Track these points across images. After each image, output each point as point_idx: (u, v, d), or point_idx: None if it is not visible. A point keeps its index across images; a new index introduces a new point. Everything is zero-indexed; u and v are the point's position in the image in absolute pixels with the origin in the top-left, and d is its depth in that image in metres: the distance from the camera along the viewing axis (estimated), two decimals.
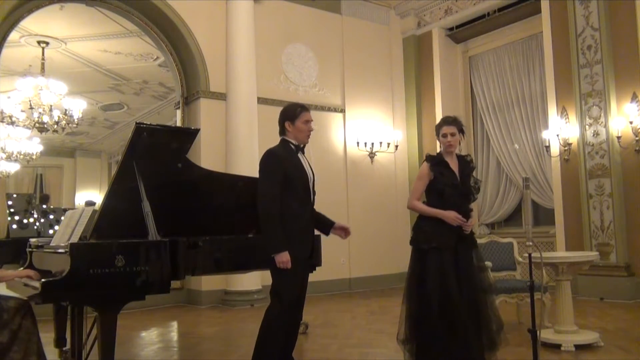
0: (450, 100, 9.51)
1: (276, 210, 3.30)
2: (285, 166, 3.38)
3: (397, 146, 9.64)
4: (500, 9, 8.73)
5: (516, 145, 8.75)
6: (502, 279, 5.43)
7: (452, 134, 3.72)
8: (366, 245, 8.89)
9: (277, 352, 3.37)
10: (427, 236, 3.63)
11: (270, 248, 3.29)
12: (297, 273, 3.35)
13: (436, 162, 3.72)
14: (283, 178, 3.35)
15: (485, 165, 9.32)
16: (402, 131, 9.78)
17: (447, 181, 3.66)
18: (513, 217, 8.96)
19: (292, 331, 3.59)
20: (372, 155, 9.37)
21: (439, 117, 9.30)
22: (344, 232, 3.71)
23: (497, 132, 9.06)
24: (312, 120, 3.54)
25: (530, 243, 3.33)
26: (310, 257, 3.53)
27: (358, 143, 9.27)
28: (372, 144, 9.36)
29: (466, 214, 3.66)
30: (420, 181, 3.74)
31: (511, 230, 8.56)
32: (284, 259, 3.24)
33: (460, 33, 9.50)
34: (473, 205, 3.86)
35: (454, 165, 3.74)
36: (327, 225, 3.71)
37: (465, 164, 3.79)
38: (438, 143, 3.96)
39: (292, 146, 3.50)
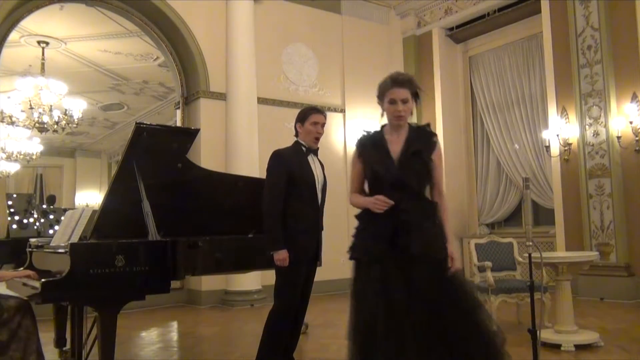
0: (450, 100, 9.51)
1: (276, 209, 3.35)
2: (289, 167, 3.42)
3: None
4: (500, 9, 8.72)
5: (516, 145, 8.75)
6: (502, 279, 5.43)
7: (404, 101, 2.64)
8: None
9: (279, 352, 3.37)
10: (352, 243, 2.69)
11: (269, 246, 3.37)
12: (299, 274, 3.35)
13: (364, 141, 2.74)
14: (287, 178, 3.39)
15: (485, 165, 9.32)
16: None
17: (376, 163, 2.63)
18: (513, 217, 8.96)
19: (294, 332, 3.59)
20: None
21: (439, 117, 9.33)
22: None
23: (497, 132, 9.06)
24: (322, 123, 3.54)
25: (530, 243, 3.32)
26: (316, 259, 3.52)
27: None
28: None
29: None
30: (353, 168, 2.78)
31: (511, 230, 8.57)
32: (281, 256, 3.30)
33: (460, 33, 9.50)
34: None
35: (398, 141, 2.65)
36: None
37: (418, 137, 2.67)
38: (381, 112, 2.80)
39: (303, 148, 3.53)
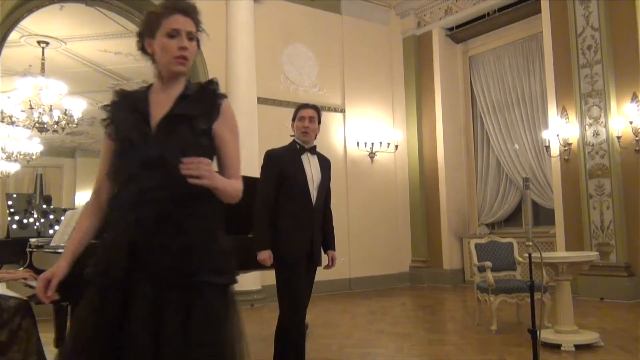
0: (450, 100, 9.51)
1: (264, 209, 3.35)
2: (280, 165, 3.39)
3: (397, 146, 9.64)
4: (500, 9, 8.72)
5: (516, 145, 8.75)
6: (502, 279, 5.43)
7: (190, 36, 1.80)
8: (366, 245, 8.89)
9: (289, 351, 3.31)
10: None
11: (254, 245, 3.37)
12: (295, 273, 3.31)
13: (117, 103, 1.88)
14: (278, 178, 3.37)
15: (485, 165, 9.32)
16: (402, 131, 9.77)
17: (127, 131, 1.79)
18: (513, 217, 8.96)
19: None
20: (372, 155, 9.36)
21: (439, 117, 9.35)
22: (331, 263, 3.62)
23: (497, 132, 9.05)
24: (308, 117, 3.44)
25: (531, 243, 3.32)
26: (312, 260, 3.41)
27: (358, 143, 9.27)
28: (372, 144, 9.36)
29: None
30: (102, 146, 1.92)
31: (511, 230, 8.56)
32: (262, 257, 3.30)
33: (460, 33, 9.49)
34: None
35: (166, 101, 1.81)
36: (323, 245, 3.63)
37: (196, 97, 1.84)
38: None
39: (297, 146, 3.48)
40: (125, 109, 1.81)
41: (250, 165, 7.29)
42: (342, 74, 9.32)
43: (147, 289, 1.64)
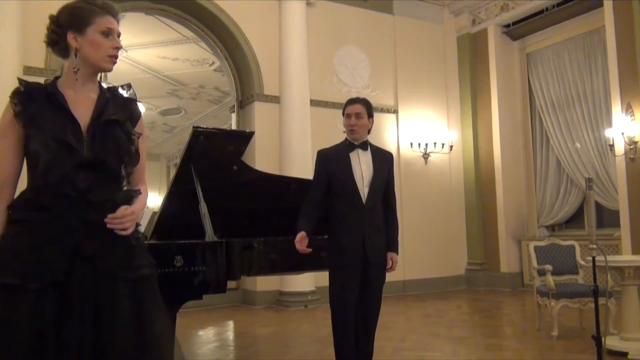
0: (507, 98, 9.28)
1: (307, 207, 3.35)
2: (328, 165, 3.38)
3: (451, 146, 9.48)
4: (559, 4, 8.43)
5: (577, 144, 8.43)
6: (563, 283, 5.25)
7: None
8: (420, 247, 8.79)
9: (344, 352, 3.31)
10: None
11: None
12: (344, 277, 3.28)
13: (29, 95, 1.76)
14: (327, 177, 3.36)
15: (545, 165, 9.03)
16: (457, 131, 9.61)
17: (47, 134, 1.70)
18: (574, 219, 8.63)
19: (359, 343, 3.36)
20: (426, 155, 9.25)
21: (495, 116, 9.15)
22: (391, 265, 3.47)
23: (556, 130, 8.75)
24: (354, 113, 3.35)
25: (594, 246, 3.19)
26: (367, 261, 3.28)
27: (412, 144, 9.18)
28: (426, 144, 9.24)
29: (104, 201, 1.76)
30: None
31: (572, 232, 8.24)
32: (297, 237, 3.24)
33: (517, 30, 9.24)
34: None
35: (84, 102, 1.80)
36: None
37: (114, 101, 1.87)
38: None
39: (348, 143, 3.42)
40: (40, 102, 1.73)
41: (304, 167, 7.38)
42: (395, 75, 9.26)
43: (87, 287, 1.65)
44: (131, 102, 1.91)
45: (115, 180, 1.79)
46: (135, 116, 1.90)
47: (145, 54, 10.15)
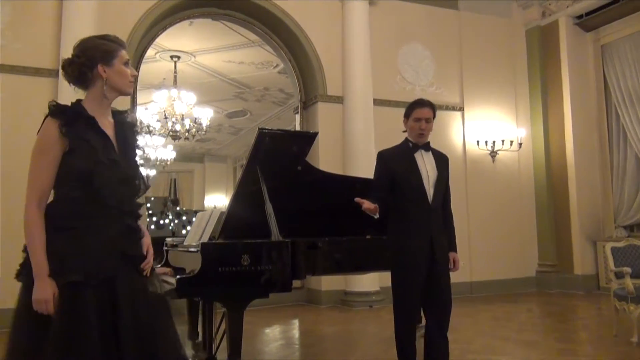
0: (580, 93, 8.87)
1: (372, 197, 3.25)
2: (391, 166, 3.35)
3: (520, 144, 9.17)
4: None
5: None
6: None
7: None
8: (488, 248, 8.55)
9: (406, 353, 3.29)
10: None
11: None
12: (408, 277, 3.25)
13: (73, 116, 2.01)
14: (391, 178, 3.33)
15: (622, 162, 8.56)
16: (526, 128, 9.28)
17: (99, 152, 2.01)
18: None
19: (431, 346, 3.33)
20: (493, 154, 8.99)
21: (567, 112, 8.78)
22: (453, 265, 3.47)
23: (635, 125, 8.28)
24: (425, 118, 3.31)
25: None
26: (433, 261, 3.27)
27: (478, 142, 8.95)
28: (494, 142, 8.98)
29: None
30: (42, 156, 1.97)
31: None
32: (366, 203, 3.08)
33: (590, 20, 8.81)
34: None
35: (109, 125, 2.16)
36: None
37: (125, 126, 2.22)
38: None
39: (410, 144, 3.40)
40: (81, 124, 2.01)
41: (368, 167, 7.31)
42: (460, 71, 9.06)
43: (131, 282, 2.03)
44: (134, 126, 2.24)
45: (137, 192, 2.16)
46: (136, 139, 2.23)
47: (212, 59, 10.44)
